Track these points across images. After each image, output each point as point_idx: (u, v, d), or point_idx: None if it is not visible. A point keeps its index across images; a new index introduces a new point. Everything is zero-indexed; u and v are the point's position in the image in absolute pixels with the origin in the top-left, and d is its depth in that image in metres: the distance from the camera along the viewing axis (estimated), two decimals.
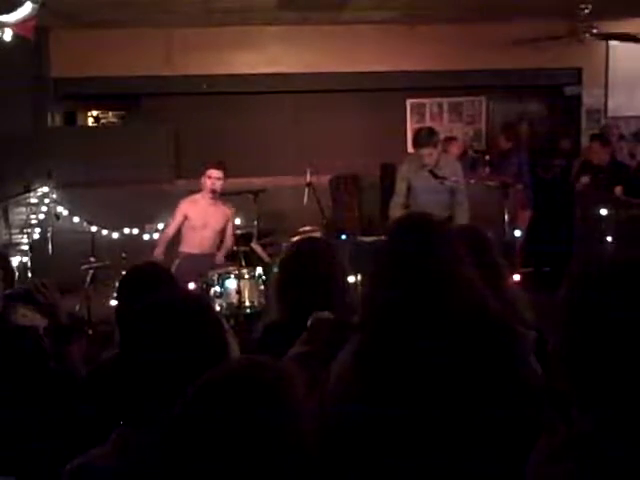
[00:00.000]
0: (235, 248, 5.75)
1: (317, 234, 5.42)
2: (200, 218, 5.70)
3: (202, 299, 1.88)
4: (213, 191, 5.62)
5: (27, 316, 2.77)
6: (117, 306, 2.44)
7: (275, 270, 2.57)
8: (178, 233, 5.79)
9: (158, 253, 5.63)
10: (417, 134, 5.51)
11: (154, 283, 2.34)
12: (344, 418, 1.33)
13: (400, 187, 5.60)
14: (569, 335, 1.13)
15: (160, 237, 5.92)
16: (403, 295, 1.58)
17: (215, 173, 5.61)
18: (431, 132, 5.41)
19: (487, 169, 8.12)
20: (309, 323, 2.11)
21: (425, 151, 5.27)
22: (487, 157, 8.10)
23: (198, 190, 5.77)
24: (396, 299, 1.58)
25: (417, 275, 1.63)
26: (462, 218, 5.46)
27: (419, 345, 1.35)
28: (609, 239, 6.25)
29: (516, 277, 2.96)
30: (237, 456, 1.05)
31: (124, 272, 2.62)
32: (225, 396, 1.10)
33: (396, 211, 5.60)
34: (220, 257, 5.79)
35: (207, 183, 5.61)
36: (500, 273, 2.37)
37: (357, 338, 1.70)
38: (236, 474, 1.05)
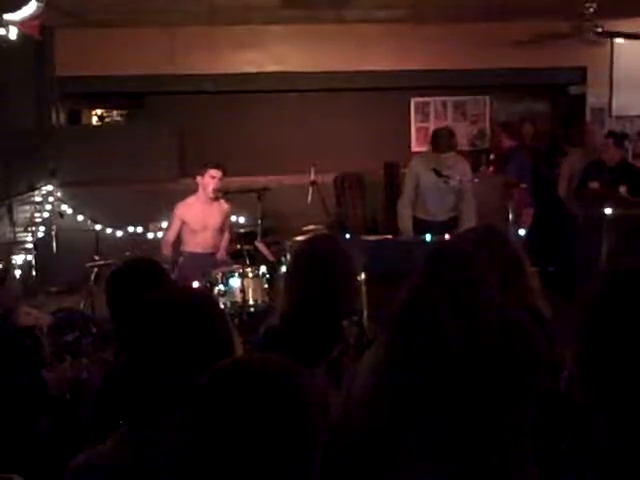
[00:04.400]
0: (239, 247, 5.75)
1: (322, 232, 5.42)
2: (198, 221, 5.68)
3: (208, 296, 1.88)
4: (215, 191, 5.63)
5: (31, 314, 2.78)
6: (113, 303, 2.38)
7: (286, 261, 2.58)
8: (178, 235, 5.79)
9: (167, 254, 5.66)
10: (436, 136, 5.50)
11: (150, 279, 2.32)
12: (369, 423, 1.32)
13: (408, 186, 5.60)
14: (588, 350, 1.12)
15: (162, 243, 5.88)
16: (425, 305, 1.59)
17: (218, 173, 5.61)
18: (451, 135, 5.44)
19: (491, 168, 8.11)
20: (344, 324, 2.11)
21: (446, 155, 5.31)
22: (491, 156, 8.09)
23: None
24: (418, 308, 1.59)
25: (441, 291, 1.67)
26: (469, 217, 5.45)
27: (443, 351, 1.34)
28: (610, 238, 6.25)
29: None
30: (244, 450, 1.05)
31: (116, 268, 2.54)
32: (233, 388, 1.10)
33: (404, 210, 5.60)
34: (222, 254, 5.80)
35: (210, 183, 5.61)
36: (520, 268, 2.38)
37: (380, 343, 1.72)
38: (243, 467, 1.05)
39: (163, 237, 5.93)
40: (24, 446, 2.12)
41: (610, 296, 1.13)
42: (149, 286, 2.19)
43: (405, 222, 5.57)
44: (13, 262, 6.07)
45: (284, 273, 2.58)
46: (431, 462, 1.21)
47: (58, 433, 2.16)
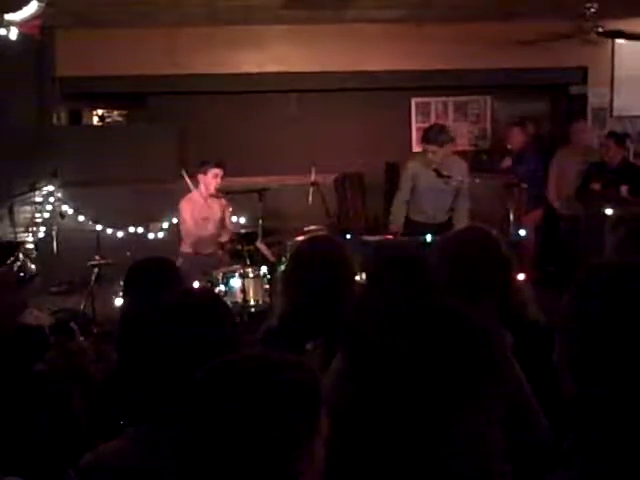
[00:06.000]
0: (240, 247, 5.76)
1: (322, 233, 5.42)
2: (201, 216, 5.77)
3: (217, 297, 1.89)
4: (217, 190, 5.71)
5: (33, 314, 2.78)
6: (126, 302, 2.41)
7: (286, 261, 2.55)
8: (179, 233, 5.81)
9: (196, 240, 5.70)
10: (428, 130, 5.54)
11: (164, 278, 2.34)
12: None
13: (404, 185, 5.59)
14: (574, 347, 1.12)
15: (185, 235, 5.80)
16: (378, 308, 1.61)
17: (220, 172, 5.70)
18: (441, 131, 5.42)
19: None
20: (307, 347, 2.09)
21: (430, 147, 5.28)
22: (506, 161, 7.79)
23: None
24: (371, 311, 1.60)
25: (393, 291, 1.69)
26: (461, 222, 5.41)
27: (387, 353, 1.34)
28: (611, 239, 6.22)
29: (520, 276, 2.94)
30: (241, 443, 1.05)
31: (131, 266, 2.58)
32: (228, 382, 1.10)
33: (398, 208, 5.59)
34: (225, 237, 5.79)
35: (212, 182, 5.67)
36: (506, 268, 2.33)
37: (340, 354, 1.74)
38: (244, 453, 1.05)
39: (183, 231, 5.84)
40: (25, 442, 2.12)
41: (596, 291, 1.13)
42: (165, 285, 2.22)
43: (397, 213, 5.54)
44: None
45: (281, 274, 2.56)
46: (395, 467, 1.21)
47: (57, 425, 2.16)
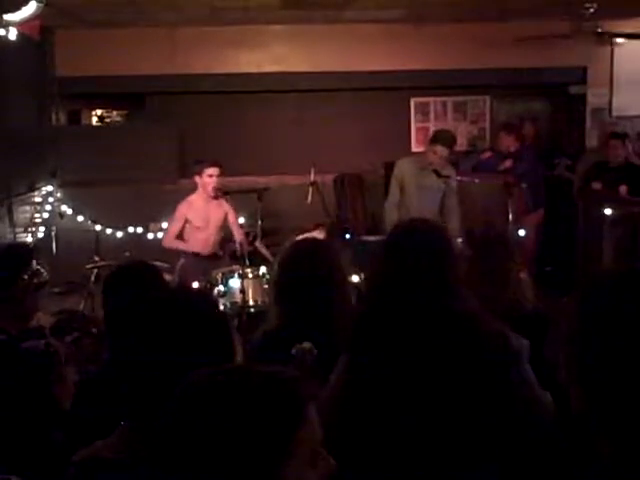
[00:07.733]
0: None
1: (321, 233, 5.42)
2: (201, 218, 5.70)
3: (208, 297, 1.88)
4: (215, 189, 5.62)
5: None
6: (106, 305, 2.39)
7: (274, 270, 2.53)
8: (180, 234, 5.78)
9: (174, 245, 5.69)
10: (441, 131, 5.60)
11: (139, 282, 2.31)
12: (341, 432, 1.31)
13: (393, 189, 5.58)
14: (583, 352, 1.11)
15: (166, 239, 5.80)
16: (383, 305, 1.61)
17: (215, 171, 5.61)
18: (453, 136, 5.52)
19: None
20: (293, 352, 2.06)
21: (438, 148, 5.27)
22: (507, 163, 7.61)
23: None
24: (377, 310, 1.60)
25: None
26: (454, 224, 5.40)
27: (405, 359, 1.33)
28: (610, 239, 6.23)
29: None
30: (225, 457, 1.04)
31: (111, 271, 2.57)
32: (207, 401, 1.08)
33: (391, 214, 5.58)
34: (242, 239, 5.69)
35: (208, 182, 5.61)
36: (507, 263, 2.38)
37: (346, 358, 1.74)
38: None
39: (166, 234, 5.86)
40: (40, 457, 2.12)
41: (601, 298, 1.12)
42: (143, 289, 2.19)
43: (391, 217, 5.52)
44: None
45: (270, 281, 2.55)
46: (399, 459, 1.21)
47: (72, 445, 2.16)
